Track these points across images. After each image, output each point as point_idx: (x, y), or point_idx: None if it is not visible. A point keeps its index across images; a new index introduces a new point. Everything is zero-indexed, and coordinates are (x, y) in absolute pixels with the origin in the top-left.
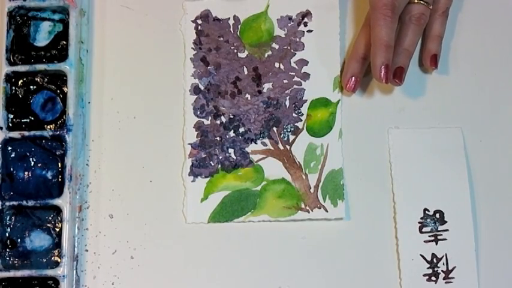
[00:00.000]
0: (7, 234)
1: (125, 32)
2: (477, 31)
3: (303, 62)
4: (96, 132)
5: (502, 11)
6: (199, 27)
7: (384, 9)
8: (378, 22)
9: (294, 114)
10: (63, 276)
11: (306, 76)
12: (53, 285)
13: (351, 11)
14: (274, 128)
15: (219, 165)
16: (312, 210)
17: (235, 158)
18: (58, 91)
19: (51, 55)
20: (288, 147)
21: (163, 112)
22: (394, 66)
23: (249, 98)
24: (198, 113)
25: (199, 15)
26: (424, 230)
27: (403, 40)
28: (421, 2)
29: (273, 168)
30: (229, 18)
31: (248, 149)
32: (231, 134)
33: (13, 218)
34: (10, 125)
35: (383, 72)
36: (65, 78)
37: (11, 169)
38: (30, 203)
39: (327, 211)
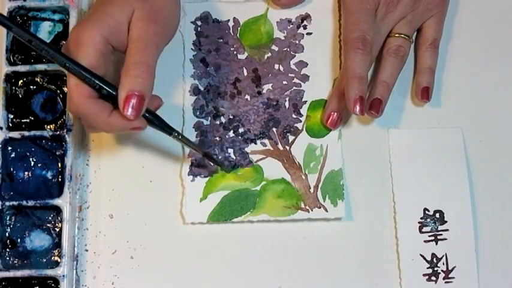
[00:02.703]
0: (7, 234)
1: None
2: (477, 31)
3: (303, 64)
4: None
5: (501, 11)
6: (199, 28)
7: (355, 42)
8: (349, 55)
9: (294, 115)
10: (63, 276)
11: (305, 78)
12: (53, 285)
13: None
14: (274, 129)
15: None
16: (312, 210)
17: (234, 158)
18: (58, 91)
19: None
20: (287, 147)
21: (163, 112)
22: (371, 98)
23: (249, 99)
24: (198, 113)
25: (199, 16)
26: (424, 230)
27: (381, 73)
28: (401, 35)
29: (273, 169)
30: (228, 20)
31: (248, 149)
32: (231, 134)
33: (13, 218)
34: (10, 125)
35: (358, 104)
36: (65, 78)
37: (11, 169)
38: (30, 203)
39: (326, 211)
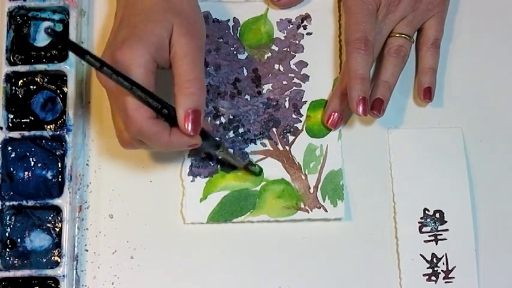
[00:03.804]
0: (7, 234)
1: None
2: (477, 31)
3: (303, 64)
4: (96, 132)
5: (501, 11)
6: None
7: (357, 43)
8: (352, 56)
9: (294, 116)
10: (63, 276)
11: (305, 78)
12: (53, 285)
13: None
14: (274, 129)
15: (218, 166)
16: (312, 210)
17: None
18: (58, 91)
19: (51, 55)
20: (287, 148)
21: None
22: (373, 98)
23: (249, 99)
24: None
25: None
26: (424, 230)
27: (383, 72)
28: (402, 35)
29: (273, 169)
30: (229, 20)
31: (248, 150)
32: (231, 134)
33: (13, 218)
34: (10, 125)
35: (361, 105)
36: (65, 78)
37: (11, 169)
38: (30, 203)
39: (326, 211)
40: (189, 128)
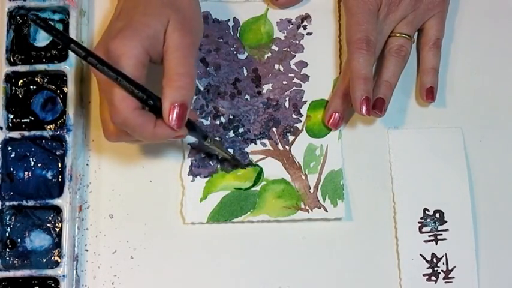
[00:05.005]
0: (7, 234)
1: None
2: (477, 31)
3: (303, 64)
4: (96, 132)
5: (501, 10)
6: None
7: (359, 43)
8: (354, 56)
9: (294, 115)
10: (63, 276)
11: (305, 78)
12: (53, 285)
13: None
14: (274, 129)
15: (218, 165)
16: (312, 210)
17: None
18: (58, 91)
19: (51, 55)
20: (287, 147)
21: None
22: (375, 98)
23: (249, 99)
24: (198, 113)
25: None
26: (424, 230)
27: (384, 72)
28: (402, 35)
29: (273, 169)
30: (228, 20)
31: (248, 149)
32: (231, 134)
33: (13, 218)
34: (10, 125)
35: (364, 105)
36: (65, 78)
37: (11, 169)
38: (30, 203)
39: (326, 211)
40: (173, 121)
